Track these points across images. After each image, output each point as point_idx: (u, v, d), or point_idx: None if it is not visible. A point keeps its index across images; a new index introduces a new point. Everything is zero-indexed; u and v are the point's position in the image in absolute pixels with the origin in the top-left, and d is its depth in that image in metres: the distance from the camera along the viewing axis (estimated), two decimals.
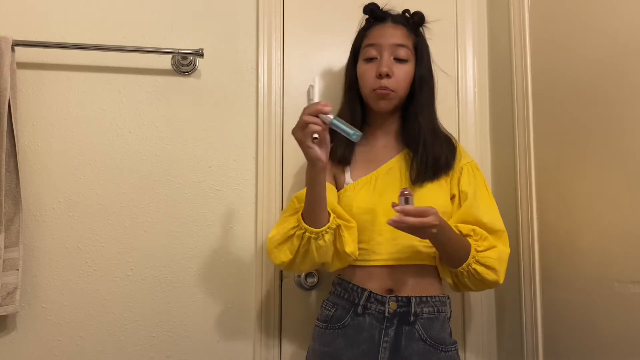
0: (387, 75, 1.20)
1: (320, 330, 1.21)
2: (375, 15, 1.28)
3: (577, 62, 1.23)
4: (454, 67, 1.60)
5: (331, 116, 1.02)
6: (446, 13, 1.61)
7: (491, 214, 1.20)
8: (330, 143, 1.07)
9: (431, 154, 1.21)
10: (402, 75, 1.22)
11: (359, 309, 1.17)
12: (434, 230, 1.03)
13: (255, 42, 1.53)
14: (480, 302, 1.56)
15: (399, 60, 1.22)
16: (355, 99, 1.29)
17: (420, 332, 1.15)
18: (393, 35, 1.23)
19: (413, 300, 1.15)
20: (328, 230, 1.11)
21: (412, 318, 1.15)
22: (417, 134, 1.23)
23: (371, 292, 1.17)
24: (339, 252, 1.16)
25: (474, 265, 1.13)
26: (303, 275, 1.46)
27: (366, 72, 1.24)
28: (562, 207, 1.28)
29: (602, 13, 1.16)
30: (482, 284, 1.16)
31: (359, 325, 1.16)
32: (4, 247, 1.28)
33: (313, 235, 1.10)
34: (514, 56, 1.46)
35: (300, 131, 1.02)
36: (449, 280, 1.20)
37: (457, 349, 1.19)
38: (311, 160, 1.05)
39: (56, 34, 1.43)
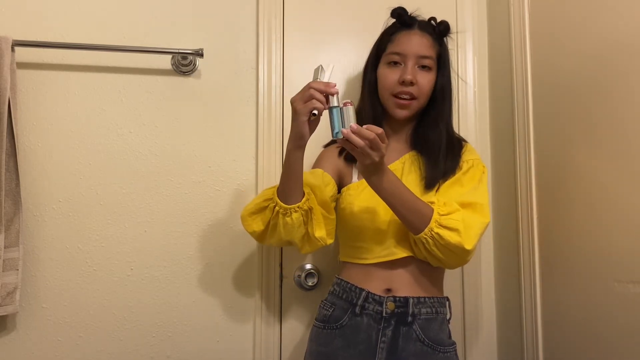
0: (412, 83, 1.21)
1: (318, 330, 1.22)
2: (402, 20, 1.28)
3: (577, 61, 1.23)
4: (454, 67, 1.60)
5: (336, 102, 1.01)
6: (446, 13, 1.60)
7: (462, 195, 1.15)
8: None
9: (442, 167, 1.21)
10: (425, 83, 1.23)
11: (357, 309, 1.17)
12: (367, 162, 1.00)
13: (255, 42, 1.53)
14: (481, 303, 1.56)
15: (422, 67, 1.23)
16: (376, 101, 1.29)
17: (417, 332, 1.14)
18: (419, 44, 1.24)
19: (411, 300, 1.15)
20: (297, 209, 1.11)
21: (409, 318, 1.14)
22: (435, 142, 1.24)
23: (369, 292, 1.17)
24: (309, 236, 1.16)
25: (437, 230, 1.07)
26: (303, 275, 1.46)
27: (387, 76, 1.24)
28: (562, 207, 1.27)
29: (602, 12, 1.15)
30: (449, 250, 1.09)
31: (357, 325, 1.16)
32: (4, 247, 1.29)
33: (282, 210, 1.11)
34: (514, 56, 1.46)
35: (302, 103, 1.02)
36: (424, 254, 1.14)
37: (455, 350, 1.18)
38: (297, 135, 1.05)
39: (56, 34, 1.43)
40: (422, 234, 1.09)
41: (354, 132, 0.98)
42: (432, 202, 1.12)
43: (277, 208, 1.11)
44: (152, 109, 1.47)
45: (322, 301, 1.25)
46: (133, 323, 1.42)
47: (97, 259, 1.41)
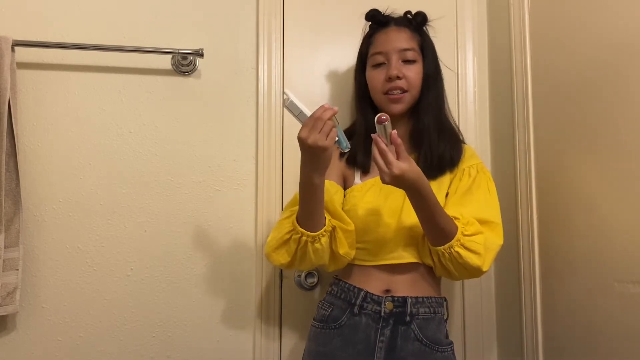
0: (398, 78, 1.21)
1: (317, 330, 1.21)
2: (377, 21, 1.29)
3: (577, 61, 1.23)
4: (454, 67, 1.60)
5: (336, 121, 1.02)
6: (446, 13, 1.60)
7: (479, 209, 1.16)
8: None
9: (436, 153, 1.21)
10: (413, 75, 1.23)
11: (355, 309, 1.17)
12: (386, 179, 1.01)
13: (255, 42, 1.53)
14: (481, 303, 1.55)
15: (407, 61, 1.23)
16: (367, 106, 1.29)
17: (416, 332, 1.14)
18: (398, 39, 1.24)
19: (409, 300, 1.15)
20: (324, 233, 1.11)
21: (407, 318, 1.15)
22: (422, 134, 1.23)
23: (367, 292, 1.17)
24: (334, 254, 1.16)
25: (457, 248, 1.08)
26: (303, 275, 1.46)
27: (375, 78, 1.25)
28: (561, 208, 1.27)
29: (602, 13, 1.15)
30: (464, 269, 1.10)
31: (355, 325, 1.16)
32: (4, 247, 1.29)
33: (309, 239, 1.10)
34: (514, 56, 1.46)
35: (325, 137, 1.00)
36: (429, 261, 1.16)
37: (453, 350, 1.18)
38: (325, 168, 1.05)
39: (56, 34, 1.43)
40: (440, 247, 1.10)
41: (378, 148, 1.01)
42: (457, 219, 1.12)
43: (304, 238, 1.10)
44: (152, 109, 1.47)
45: (320, 301, 1.25)
46: (133, 323, 1.42)
47: (97, 259, 1.41)
